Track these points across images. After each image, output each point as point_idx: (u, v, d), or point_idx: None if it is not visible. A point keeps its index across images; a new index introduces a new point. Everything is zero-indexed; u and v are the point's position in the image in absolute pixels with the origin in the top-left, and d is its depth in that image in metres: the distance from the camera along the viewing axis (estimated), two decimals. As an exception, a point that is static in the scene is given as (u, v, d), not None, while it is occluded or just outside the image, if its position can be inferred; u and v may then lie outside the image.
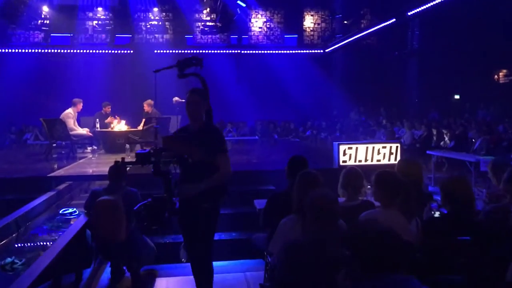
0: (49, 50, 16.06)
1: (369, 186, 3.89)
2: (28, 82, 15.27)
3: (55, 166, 8.11)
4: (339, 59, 18.18)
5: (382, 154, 6.99)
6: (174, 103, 10.46)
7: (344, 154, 6.98)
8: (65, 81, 15.32)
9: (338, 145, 7.02)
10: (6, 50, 15.88)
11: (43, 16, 16.12)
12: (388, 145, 7.08)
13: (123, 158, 4.04)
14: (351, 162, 6.82)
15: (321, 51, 17.91)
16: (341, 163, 6.88)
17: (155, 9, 16.81)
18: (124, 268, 4.68)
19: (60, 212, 5.56)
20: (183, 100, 11.11)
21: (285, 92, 16.76)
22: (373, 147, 6.99)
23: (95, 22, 16.59)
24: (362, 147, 6.98)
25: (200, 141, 3.48)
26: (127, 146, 9.01)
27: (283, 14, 18.09)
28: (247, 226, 5.79)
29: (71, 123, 9.50)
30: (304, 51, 17.89)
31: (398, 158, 6.89)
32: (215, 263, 3.77)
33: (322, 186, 3.17)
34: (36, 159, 9.34)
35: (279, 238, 3.09)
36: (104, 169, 7.37)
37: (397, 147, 7.07)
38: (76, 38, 16.37)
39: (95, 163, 8.47)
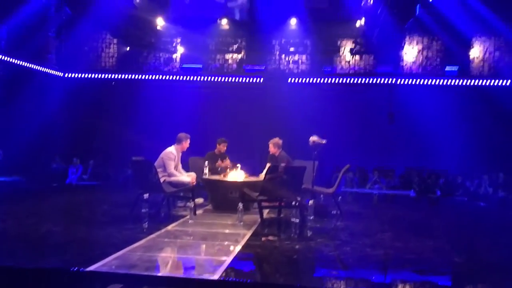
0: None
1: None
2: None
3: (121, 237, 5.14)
4: None
5: None
6: (310, 145, 7.31)
7: None
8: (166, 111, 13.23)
9: None
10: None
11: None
12: None
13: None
14: None
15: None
16: None
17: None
18: None
19: None
20: (324, 141, 8.11)
21: (444, 135, 12.69)
22: None
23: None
24: None
25: None
26: (240, 206, 6.16)
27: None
28: None
29: (171, 166, 7.01)
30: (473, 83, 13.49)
31: None
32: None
33: None
34: (115, 216, 6.62)
35: None
36: (194, 253, 4.40)
37: None
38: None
39: (188, 235, 5.37)
